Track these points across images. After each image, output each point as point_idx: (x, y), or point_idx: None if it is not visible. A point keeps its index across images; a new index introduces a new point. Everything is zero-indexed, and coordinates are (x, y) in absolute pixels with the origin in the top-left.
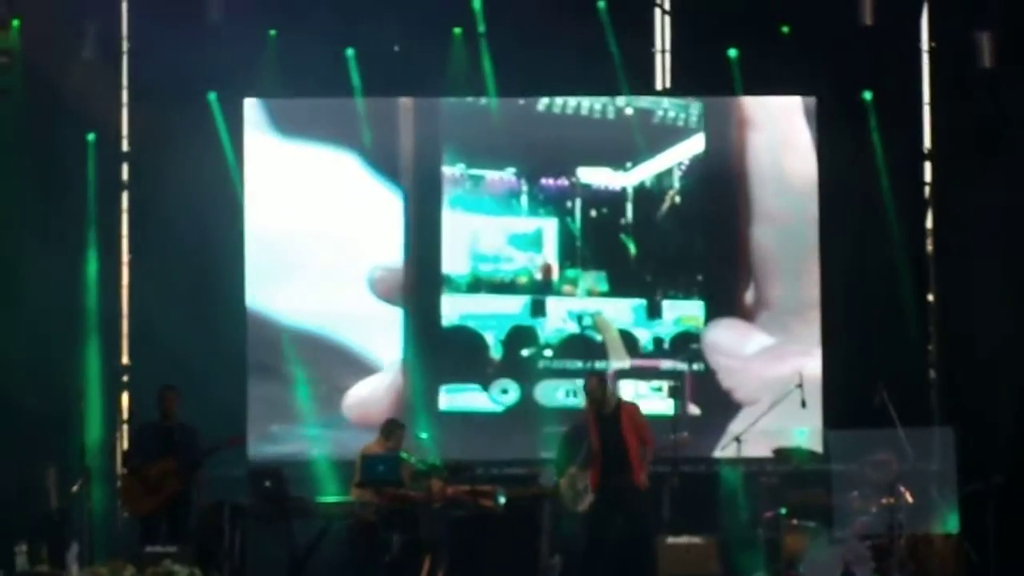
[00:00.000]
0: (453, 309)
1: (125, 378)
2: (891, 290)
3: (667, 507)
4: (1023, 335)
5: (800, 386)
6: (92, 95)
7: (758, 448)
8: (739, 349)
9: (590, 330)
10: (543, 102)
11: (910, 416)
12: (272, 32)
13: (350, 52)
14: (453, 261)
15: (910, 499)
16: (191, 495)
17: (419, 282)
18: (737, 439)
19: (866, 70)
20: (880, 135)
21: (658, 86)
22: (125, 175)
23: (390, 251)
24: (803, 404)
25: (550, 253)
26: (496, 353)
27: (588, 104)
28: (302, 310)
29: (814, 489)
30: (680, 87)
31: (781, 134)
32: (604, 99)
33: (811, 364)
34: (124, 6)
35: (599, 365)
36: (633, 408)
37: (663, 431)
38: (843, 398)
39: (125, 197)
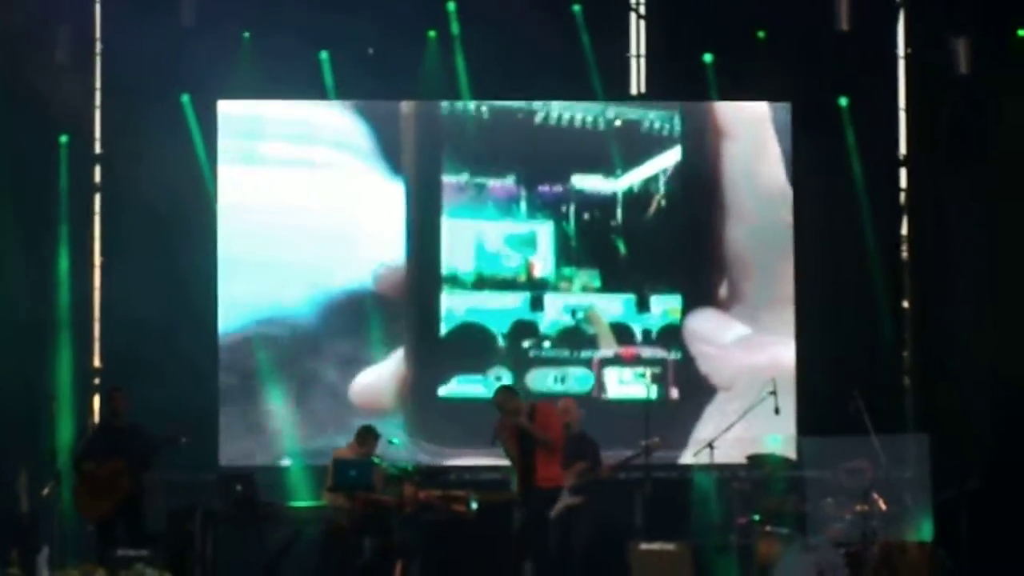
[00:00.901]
0: (460, 305)
1: (96, 381)
2: (866, 296)
3: (640, 513)
4: (998, 342)
5: (774, 393)
6: (65, 97)
7: (731, 454)
8: (718, 337)
9: (583, 323)
10: (540, 115)
11: (884, 423)
12: (246, 34)
13: (324, 55)
14: (460, 261)
15: (884, 506)
16: (144, 495)
17: (419, 279)
18: (710, 445)
19: (842, 76)
20: (856, 141)
21: (633, 91)
22: (98, 177)
23: (392, 250)
24: (776, 411)
25: (545, 253)
26: (500, 345)
27: (581, 116)
28: (275, 308)
29: (788, 496)
30: (655, 92)
31: (753, 142)
32: (595, 111)
33: (786, 353)
34: (97, 8)
35: (588, 355)
36: (545, 410)
37: (639, 426)
38: (817, 405)
39: (97, 199)
